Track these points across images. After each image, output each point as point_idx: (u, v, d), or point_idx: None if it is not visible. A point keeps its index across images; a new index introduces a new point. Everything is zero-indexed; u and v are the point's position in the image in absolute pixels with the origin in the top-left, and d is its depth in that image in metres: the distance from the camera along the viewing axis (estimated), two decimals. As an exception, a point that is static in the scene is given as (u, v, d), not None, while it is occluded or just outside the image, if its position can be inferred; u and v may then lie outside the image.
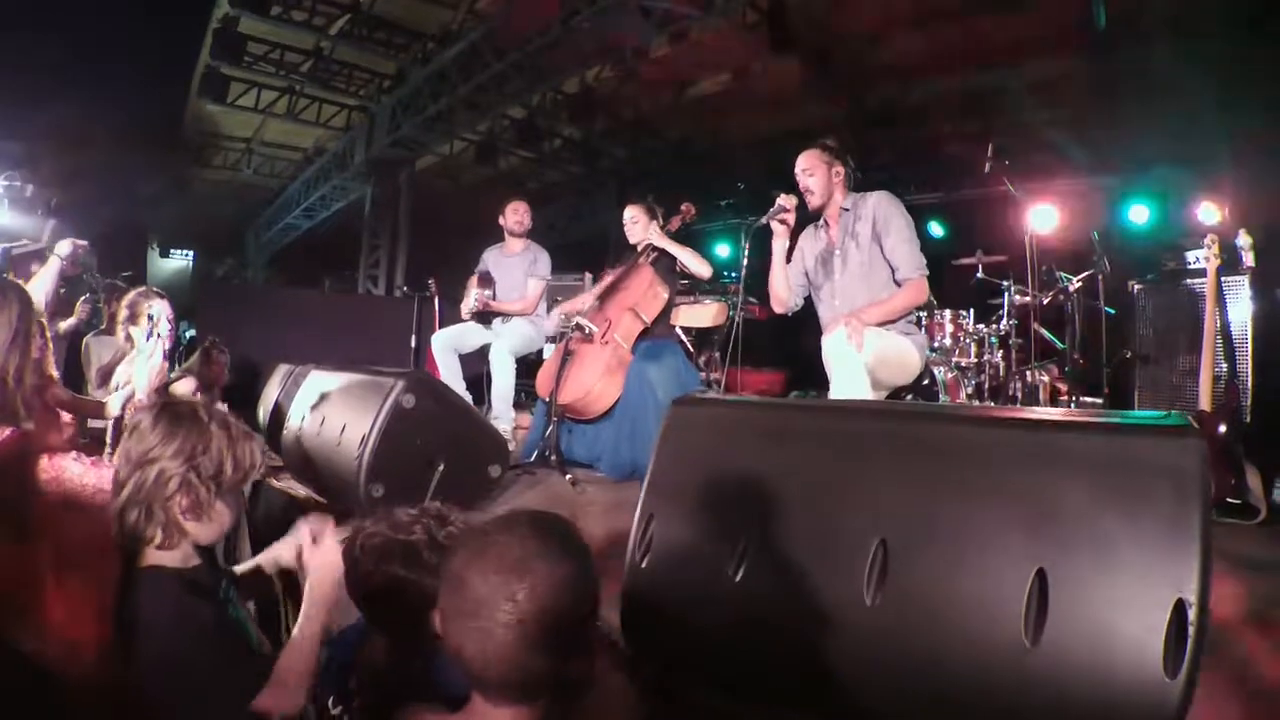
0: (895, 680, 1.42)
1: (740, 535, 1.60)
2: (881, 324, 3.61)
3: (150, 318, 3.28)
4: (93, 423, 4.11)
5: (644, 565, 1.73)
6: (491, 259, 5.97)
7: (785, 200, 3.91)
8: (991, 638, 1.34)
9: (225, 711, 1.60)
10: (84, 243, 3.51)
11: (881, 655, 1.43)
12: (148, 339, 2.45)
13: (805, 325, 4.34)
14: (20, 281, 3.04)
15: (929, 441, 1.54)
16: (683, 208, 5.12)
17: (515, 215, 5.87)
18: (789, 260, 4.08)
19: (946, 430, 1.56)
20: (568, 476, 4.14)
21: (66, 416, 3.04)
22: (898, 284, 3.72)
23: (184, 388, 4.53)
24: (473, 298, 5.69)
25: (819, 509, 1.56)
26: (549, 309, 6.04)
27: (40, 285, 3.44)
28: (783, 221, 3.93)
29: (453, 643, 1.19)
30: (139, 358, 2.37)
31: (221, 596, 1.79)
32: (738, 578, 1.58)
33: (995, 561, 1.37)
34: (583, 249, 14.19)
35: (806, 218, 4.04)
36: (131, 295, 3.96)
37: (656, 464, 1.84)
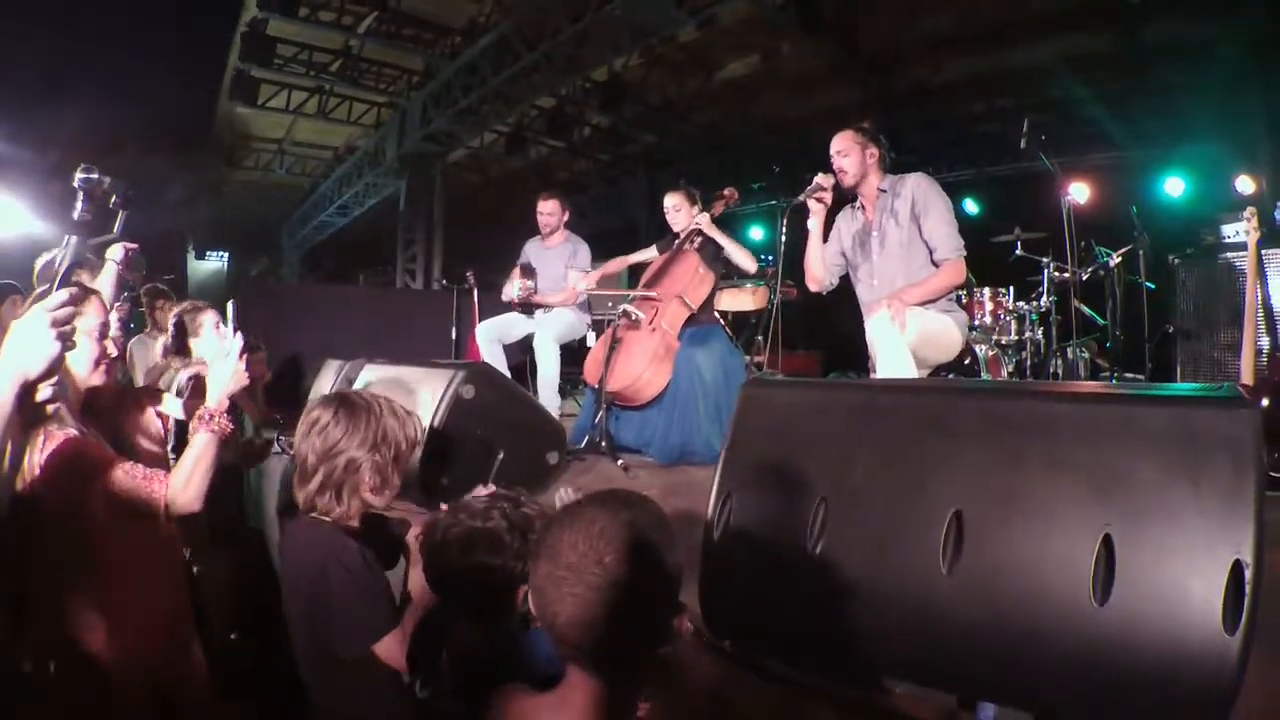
0: (970, 646, 1.50)
1: (817, 509, 1.67)
2: (921, 304, 3.68)
3: (219, 325, 3.38)
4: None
5: (722, 542, 1.81)
6: (532, 251, 6.07)
7: (823, 179, 3.97)
8: (1062, 600, 1.42)
9: (359, 639, 1.83)
10: (134, 245, 3.61)
11: (957, 622, 1.50)
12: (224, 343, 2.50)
13: (839, 306, 4.41)
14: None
15: (1000, 416, 1.61)
16: (725, 193, 5.17)
17: (543, 214, 5.98)
18: (825, 240, 4.16)
19: (1016, 405, 1.63)
20: (619, 462, 4.21)
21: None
22: (935, 265, 3.77)
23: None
24: (516, 286, 5.80)
25: (894, 483, 1.63)
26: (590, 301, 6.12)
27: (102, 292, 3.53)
28: (819, 199, 3.99)
29: (548, 612, 1.25)
30: (214, 363, 2.42)
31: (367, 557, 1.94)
32: (815, 551, 1.66)
33: (1063, 527, 1.44)
34: (613, 237, 14.26)
35: (842, 199, 4.10)
36: (179, 312, 4.06)
37: (732, 443, 1.91)
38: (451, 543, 1.77)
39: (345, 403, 2.02)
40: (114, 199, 3.10)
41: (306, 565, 1.92)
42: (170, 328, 4.08)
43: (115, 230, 3.32)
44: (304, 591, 1.92)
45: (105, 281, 3.50)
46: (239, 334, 2.25)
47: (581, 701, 1.27)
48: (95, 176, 3.04)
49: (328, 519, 1.97)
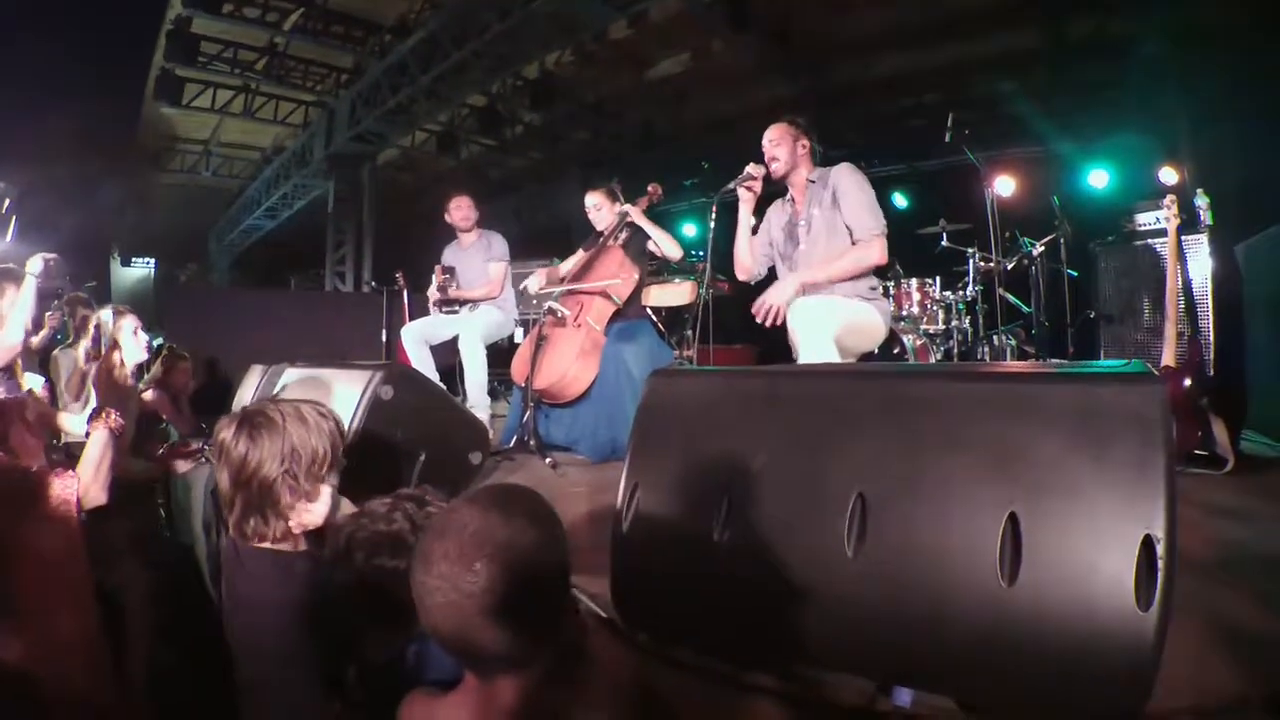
0: (879, 630, 1.46)
1: (723, 498, 1.63)
2: (834, 281, 3.68)
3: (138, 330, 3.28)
4: (68, 437, 4.08)
5: (631, 535, 1.76)
6: (450, 254, 5.96)
7: (754, 169, 3.96)
8: (969, 581, 1.39)
9: (304, 685, 1.74)
10: (53, 256, 3.49)
11: (864, 607, 1.47)
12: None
13: (772, 299, 4.39)
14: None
15: (902, 398, 1.58)
16: (650, 189, 5.12)
17: (459, 211, 5.84)
18: (755, 232, 4.14)
19: (918, 386, 1.60)
20: (548, 460, 4.16)
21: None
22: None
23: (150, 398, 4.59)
24: (435, 285, 5.70)
25: (798, 468, 1.60)
26: (516, 294, 6.03)
27: (24, 308, 3.40)
28: (749, 188, 3.98)
29: (429, 622, 1.21)
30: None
31: (320, 581, 1.84)
32: (721, 539, 1.61)
33: (969, 508, 1.42)
34: (547, 236, 14.19)
35: (774, 192, 4.09)
36: (101, 314, 3.98)
37: (637, 435, 1.86)
38: (355, 548, 1.71)
39: (247, 420, 1.87)
40: (6, 204, 2.98)
41: (255, 603, 1.83)
42: (90, 333, 3.99)
43: (8, 236, 3.20)
44: (255, 627, 1.82)
45: (26, 295, 3.38)
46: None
47: (477, 702, 1.25)
48: None
49: (268, 545, 1.85)
